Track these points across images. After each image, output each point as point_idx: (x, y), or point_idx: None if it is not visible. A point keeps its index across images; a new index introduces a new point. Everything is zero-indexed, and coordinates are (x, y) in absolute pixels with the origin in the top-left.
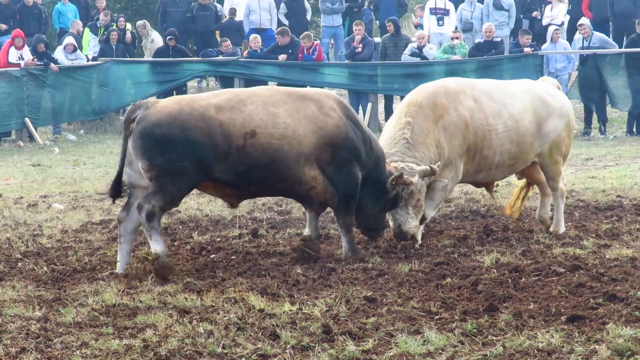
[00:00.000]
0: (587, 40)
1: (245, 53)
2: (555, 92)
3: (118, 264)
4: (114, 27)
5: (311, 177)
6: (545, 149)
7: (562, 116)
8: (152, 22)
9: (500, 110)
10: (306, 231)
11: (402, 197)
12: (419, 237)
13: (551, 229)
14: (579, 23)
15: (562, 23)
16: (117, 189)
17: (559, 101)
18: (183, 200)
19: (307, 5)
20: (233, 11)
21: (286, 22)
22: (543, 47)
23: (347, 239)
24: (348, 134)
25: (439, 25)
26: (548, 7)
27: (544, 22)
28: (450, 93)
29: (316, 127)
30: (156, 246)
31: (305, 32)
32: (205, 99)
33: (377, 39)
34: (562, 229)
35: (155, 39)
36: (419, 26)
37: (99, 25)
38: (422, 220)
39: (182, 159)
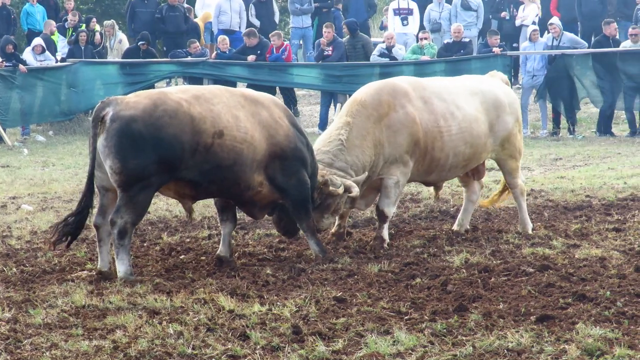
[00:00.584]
0: (557, 40)
1: (213, 55)
2: (504, 88)
3: (100, 263)
4: (82, 27)
5: (258, 183)
6: (497, 145)
7: (512, 113)
8: (121, 23)
9: (454, 112)
10: (220, 250)
11: (322, 206)
12: (386, 236)
13: (519, 229)
14: (549, 22)
15: (534, 23)
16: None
17: (507, 98)
18: (152, 201)
19: (276, 8)
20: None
21: (257, 23)
22: (522, 46)
23: (314, 241)
24: (297, 144)
25: (403, 25)
26: (521, 7)
27: (517, 22)
28: (398, 91)
29: (269, 134)
30: (120, 267)
31: (275, 31)
32: (175, 92)
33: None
34: (529, 227)
35: (123, 40)
36: (385, 27)
37: (67, 27)
38: (384, 218)
39: (154, 161)
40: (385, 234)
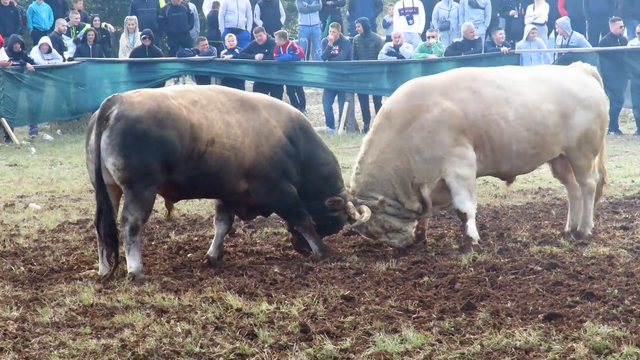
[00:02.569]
0: (565, 39)
1: (226, 56)
2: (586, 81)
3: (101, 267)
4: (85, 28)
5: (243, 190)
6: (573, 142)
7: (591, 107)
8: None
9: (509, 98)
10: (210, 251)
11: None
12: (473, 234)
13: (578, 229)
14: (556, 22)
15: (545, 22)
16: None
17: (587, 91)
18: (159, 200)
19: (282, 10)
20: (216, 4)
21: (260, 23)
22: (518, 44)
23: (312, 240)
24: (281, 156)
25: (408, 24)
26: (530, 6)
27: (526, 21)
28: (431, 91)
29: (259, 142)
30: (132, 263)
31: (280, 30)
32: (174, 97)
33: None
34: (589, 229)
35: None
36: (390, 24)
37: (69, 26)
38: (464, 216)
39: (156, 159)
40: (472, 232)
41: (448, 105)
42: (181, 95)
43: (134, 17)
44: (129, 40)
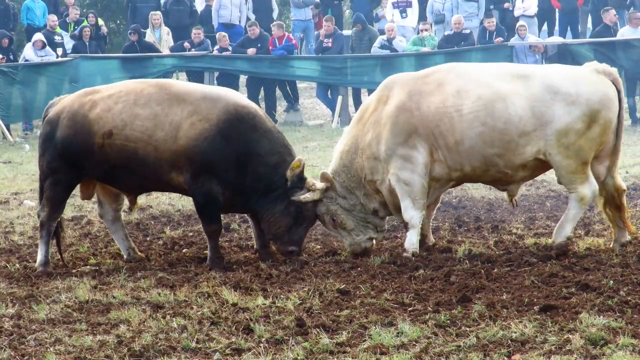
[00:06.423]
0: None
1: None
2: (582, 77)
3: (122, 251)
4: (85, 23)
5: (182, 182)
6: (551, 141)
7: (577, 104)
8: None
9: (468, 90)
10: (254, 244)
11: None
12: (410, 245)
13: (552, 238)
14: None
15: (535, 15)
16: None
17: (578, 87)
18: (155, 195)
19: (274, 5)
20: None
21: (252, 17)
22: (512, 39)
23: (210, 246)
24: (206, 150)
25: (402, 17)
26: None
27: (516, 13)
28: (399, 82)
29: (178, 134)
30: (38, 256)
31: (277, 22)
32: (99, 92)
33: (348, 32)
34: (562, 238)
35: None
36: (381, 18)
37: (68, 21)
38: (405, 225)
39: (54, 159)
40: (410, 243)
41: (403, 99)
42: (106, 89)
43: (158, 12)
44: (155, 36)
